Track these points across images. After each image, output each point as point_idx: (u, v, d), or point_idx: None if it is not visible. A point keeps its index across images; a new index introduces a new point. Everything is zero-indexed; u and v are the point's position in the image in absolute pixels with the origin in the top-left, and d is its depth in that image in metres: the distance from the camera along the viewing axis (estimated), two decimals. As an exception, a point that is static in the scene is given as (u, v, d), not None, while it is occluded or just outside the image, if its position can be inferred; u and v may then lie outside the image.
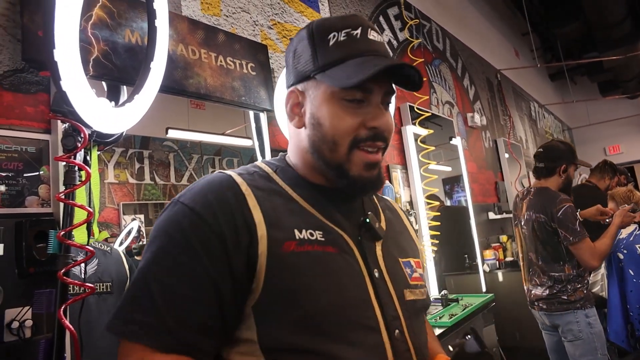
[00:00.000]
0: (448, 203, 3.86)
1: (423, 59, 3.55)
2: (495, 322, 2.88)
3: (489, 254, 3.99)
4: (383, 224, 0.81)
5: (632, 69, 7.77)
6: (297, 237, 0.67)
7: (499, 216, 4.52)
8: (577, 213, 2.49)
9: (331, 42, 0.73)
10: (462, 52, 4.95)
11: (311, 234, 0.68)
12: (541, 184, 2.42)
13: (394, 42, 3.57)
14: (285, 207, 0.71)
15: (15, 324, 1.27)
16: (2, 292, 1.22)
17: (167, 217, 0.68)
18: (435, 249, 3.01)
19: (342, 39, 0.73)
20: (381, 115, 0.73)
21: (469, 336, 0.71)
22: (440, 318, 2.31)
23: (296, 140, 0.79)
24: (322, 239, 0.69)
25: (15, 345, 1.27)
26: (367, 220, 0.76)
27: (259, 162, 0.80)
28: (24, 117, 1.41)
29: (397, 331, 0.70)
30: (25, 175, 1.39)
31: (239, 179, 0.71)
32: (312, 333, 0.64)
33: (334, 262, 0.68)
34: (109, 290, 1.48)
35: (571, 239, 2.19)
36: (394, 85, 0.77)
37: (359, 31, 0.73)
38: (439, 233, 3.07)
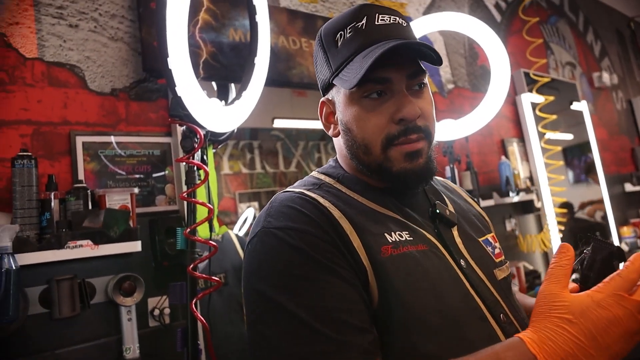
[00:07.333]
0: (570, 176, 3.47)
1: (538, 18, 3.19)
2: None
3: (627, 231, 3.54)
4: (451, 208, 0.78)
5: None
6: (391, 241, 0.65)
7: (638, 187, 3.96)
8: None
9: (339, 43, 0.71)
10: (583, 4, 4.37)
11: (400, 235, 0.67)
12: None
13: (502, 4, 3.26)
14: (364, 214, 0.68)
15: (157, 312, 1.41)
16: (143, 283, 1.35)
17: (272, 247, 0.63)
18: (563, 228, 2.73)
19: (348, 35, 0.70)
20: (406, 103, 0.68)
21: (587, 249, 0.61)
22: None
23: (338, 148, 0.79)
24: (411, 239, 0.67)
25: (158, 330, 1.41)
26: (438, 210, 0.74)
27: (315, 173, 0.79)
28: (149, 123, 1.54)
29: (502, 315, 0.67)
30: (153, 176, 1.52)
31: (313, 194, 0.69)
32: (428, 337, 0.60)
33: (429, 260, 0.66)
34: (223, 281, 1.54)
35: None
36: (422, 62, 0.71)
37: (364, 21, 0.70)
38: (565, 210, 2.78)
